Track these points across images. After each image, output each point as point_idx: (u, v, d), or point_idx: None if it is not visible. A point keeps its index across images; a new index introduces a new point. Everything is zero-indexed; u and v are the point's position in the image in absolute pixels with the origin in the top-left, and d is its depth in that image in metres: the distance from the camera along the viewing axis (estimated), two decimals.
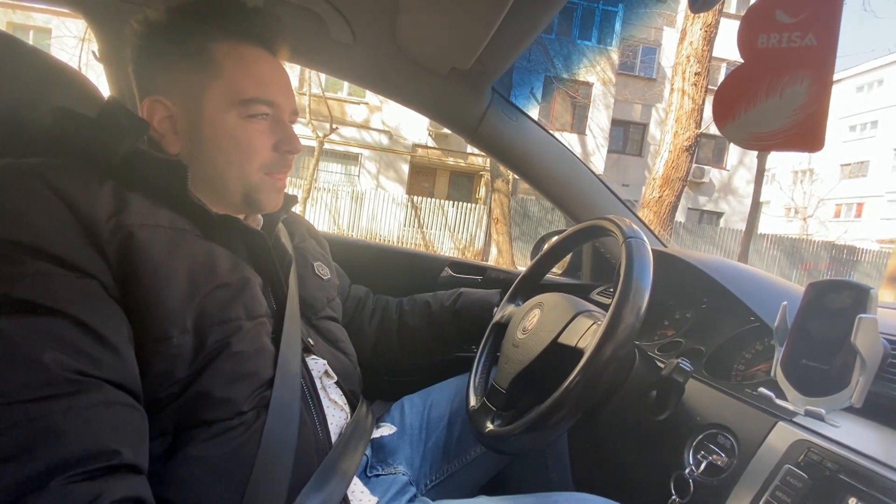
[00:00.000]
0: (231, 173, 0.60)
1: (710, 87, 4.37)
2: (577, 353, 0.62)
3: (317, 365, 0.68)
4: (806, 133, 0.51)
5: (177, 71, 0.59)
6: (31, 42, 0.64)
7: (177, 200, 0.55)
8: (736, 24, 0.57)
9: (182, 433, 0.50)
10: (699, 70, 4.38)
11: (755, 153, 0.71)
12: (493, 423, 0.69)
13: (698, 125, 4.45)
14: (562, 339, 0.68)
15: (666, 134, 4.57)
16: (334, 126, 9.41)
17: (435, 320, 0.96)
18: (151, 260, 0.49)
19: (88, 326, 0.43)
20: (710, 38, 4.35)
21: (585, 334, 0.65)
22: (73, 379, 0.41)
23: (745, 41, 0.53)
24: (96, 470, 0.39)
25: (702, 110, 4.44)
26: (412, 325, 0.96)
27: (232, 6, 0.61)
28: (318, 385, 0.66)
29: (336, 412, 0.69)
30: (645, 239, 0.65)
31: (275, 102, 0.62)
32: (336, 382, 0.71)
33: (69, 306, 0.43)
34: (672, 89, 4.61)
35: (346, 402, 0.72)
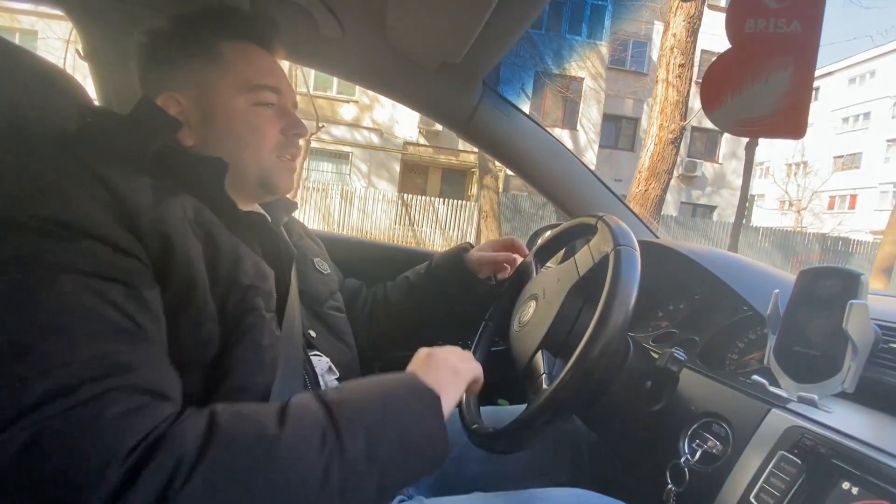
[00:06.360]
0: (246, 157, 0.64)
1: (696, 80, 4.40)
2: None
3: (320, 362, 0.69)
4: (789, 120, 0.51)
5: (188, 68, 0.64)
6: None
7: (208, 196, 0.58)
8: (724, 17, 0.57)
9: None
10: (683, 61, 4.41)
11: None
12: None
13: (683, 117, 4.48)
14: None
15: (651, 126, 4.59)
16: (321, 125, 9.33)
17: (414, 288, 0.97)
18: (183, 251, 0.50)
19: (136, 291, 0.45)
20: (693, 30, 4.39)
21: None
22: (129, 330, 0.43)
23: (733, 25, 0.53)
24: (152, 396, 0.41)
25: (687, 102, 4.47)
26: (395, 301, 0.97)
27: (234, 12, 0.68)
28: (322, 383, 0.67)
29: None
30: (631, 234, 0.63)
31: (280, 90, 0.67)
32: (337, 379, 0.71)
33: (120, 274, 0.44)
34: (657, 80, 4.64)
35: None
